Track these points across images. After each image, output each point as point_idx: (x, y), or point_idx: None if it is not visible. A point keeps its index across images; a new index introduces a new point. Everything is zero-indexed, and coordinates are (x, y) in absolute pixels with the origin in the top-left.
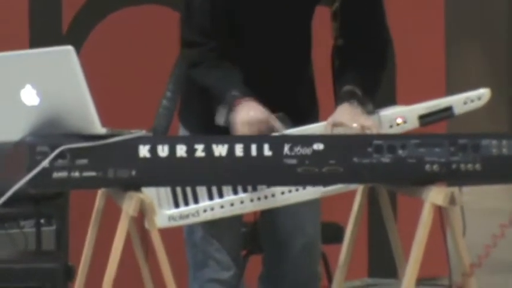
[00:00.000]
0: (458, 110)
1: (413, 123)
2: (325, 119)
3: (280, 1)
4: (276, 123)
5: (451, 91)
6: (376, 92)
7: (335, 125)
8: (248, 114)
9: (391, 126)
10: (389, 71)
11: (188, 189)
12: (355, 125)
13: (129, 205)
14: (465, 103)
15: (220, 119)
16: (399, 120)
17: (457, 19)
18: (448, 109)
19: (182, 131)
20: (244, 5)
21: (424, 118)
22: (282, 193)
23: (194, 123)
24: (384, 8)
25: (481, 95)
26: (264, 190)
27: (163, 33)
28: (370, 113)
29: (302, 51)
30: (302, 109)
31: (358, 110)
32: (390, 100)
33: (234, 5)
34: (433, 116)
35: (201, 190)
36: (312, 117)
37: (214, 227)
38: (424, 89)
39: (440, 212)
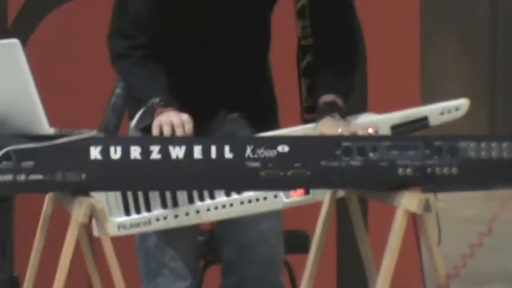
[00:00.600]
0: (434, 120)
1: (385, 134)
2: (285, 119)
3: None
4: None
5: (426, 93)
6: (350, 96)
7: None
8: (172, 119)
9: None
10: (360, 72)
11: (140, 196)
12: (340, 130)
13: (78, 211)
14: (442, 113)
15: (136, 124)
16: (370, 130)
17: (434, 16)
18: (424, 119)
19: (133, 132)
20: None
21: (397, 128)
22: (242, 203)
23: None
24: (354, 4)
25: (459, 105)
26: (222, 199)
27: None
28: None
29: (260, 49)
30: (262, 109)
31: (341, 122)
32: (361, 105)
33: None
34: (407, 126)
35: (154, 197)
36: (272, 117)
37: (168, 234)
38: (397, 91)
39: (414, 219)
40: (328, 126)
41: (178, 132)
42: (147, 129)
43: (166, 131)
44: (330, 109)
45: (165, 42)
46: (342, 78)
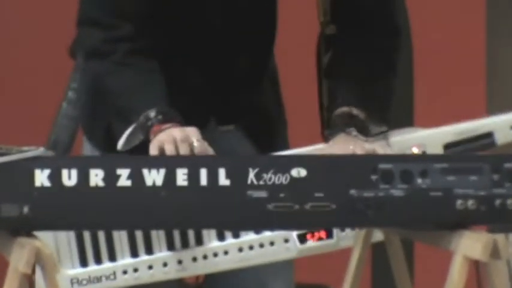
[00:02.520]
0: (502, 137)
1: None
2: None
3: None
4: (209, 150)
5: (492, 101)
6: (388, 104)
7: None
8: (174, 133)
9: None
10: (404, 74)
11: (101, 240)
12: (351, 147)
13: (19, 257)
14: None
15: (124, 144)
16: (415, 150)
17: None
18: (488, 136)
19: (89, 149)
20: None
21: (452, 148)
22: (240, 250)
23: (108, 137)
24: None
25: None
26: (213, 244)
27: (62, 17)
28: (379, 135)
29: (262, 38)
30: (264, 121)
31: (357, 139)
32: (406, 117)
33: None
34: (466, 145)
35: (120, 241)
36: (279, 132)
37: None
38: (456, 98)
39: (477, 269)
40: (339, 147)
41: (182, 149)
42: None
43: (169, 150)
44: (346, 123)
45: (147, 32)
46: (372, 82)
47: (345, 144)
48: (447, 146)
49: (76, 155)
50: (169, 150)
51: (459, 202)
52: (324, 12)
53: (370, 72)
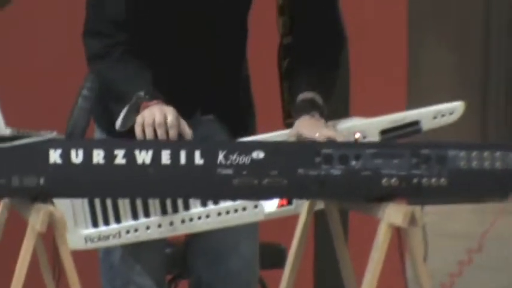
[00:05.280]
0: (426, 125)
1: (373, 140)
2: (262, 122)
3: None
4: (186, 129)
5: (414, 97)
6: (331, 96)
7: (296, 137)
8: (155, 115)
9: None
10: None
11: (109, 206)
12: (317, 134)
13: (36, 219)
14: (435, 117)
15: (121, 123)
16: (357, 135)
17: (424, 16)
18: (416, 124)
19: (99, 134)
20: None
21: (387, 133)
22: (219, 214)
23: (111, 124)
24: (339, 1)
25: (453, 108)
26: (197, 209)
27: (81, 23)
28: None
29: (237, 43)
30: (238, 112)
31: (320, 122)
32: (343, 109)
33: None
34: (398, 131)
35: (124, 208)
36: (250, 121)
37: (135, 246)
38: (382, 96)
39: (398, 234)
40: (306, 126)
41: (160, 133)
42: (131, 131)
43: (149, 134)
44: (309, 107)
45: (141, 40)
46: (323, 76)
47: (311, 126)
48: (383, 132)
49: (84, 138)
50: (149, 133)
51: (384, 180)
52: (283, 25)
53: (320, 71)
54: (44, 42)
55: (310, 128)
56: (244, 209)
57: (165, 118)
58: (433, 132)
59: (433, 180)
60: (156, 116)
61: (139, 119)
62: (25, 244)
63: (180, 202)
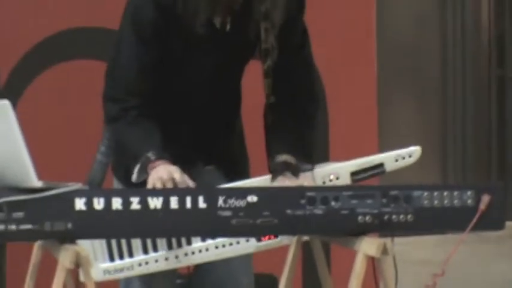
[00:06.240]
0: (389, 167)
1: (345, 180)
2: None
3: (212, 57)
4: (189, 182)
5: (383, 145)
6: (311, 149)
7: None
8: (162, 177)
9: (324, 183)
10: (323, 125)
11: (123, 243)
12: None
13: (65, 257)
14: (396, 160)
15: (135, 178)
16: (332, 177)
17: (390, 75)
18: (380, 166)
19: (116, 184)
20: (175, 61)
21: (356, 175)
22: (216, 247)
23: (126, 175)
24: (314, 62)
25: (412, 152)
26: (198, 244)
27: (99, 88)
28: (306, 170)
29: (232, 105)
30: (234, 162)
31: (292, 178)
32: (323, 155)
33: (164, 61)
34: (365, 172)
35: (136, 244)
36: (244, 168)
37: (151, 278)
38: (357, 144)
39: (373, 263)
40: (280, 183)
41: (168, 186)
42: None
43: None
44: (283, 168)
45: (152, 104)
46: (300, 137)
47: (284, 181)
48: (353, 174)
49: (104, 188)
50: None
51: (360, 217)
52: (267, 86)
53: (299, 128)
54: (68, 108)
55: (282, 183)
56: (238, 242)
57: (172, 176)
58: (402, 175)
59: (401, 216)
60: (164, 177)
61: (150, 181)
62: (56, 278)
63: (183, 238)
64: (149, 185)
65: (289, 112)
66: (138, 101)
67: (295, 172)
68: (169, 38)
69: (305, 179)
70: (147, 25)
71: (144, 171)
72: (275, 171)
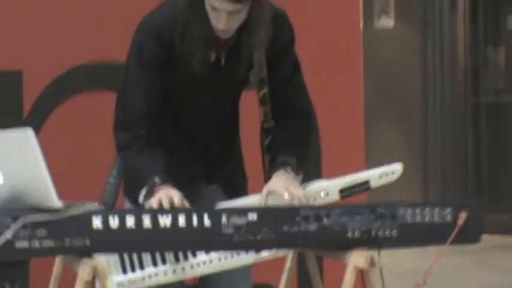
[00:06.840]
0: (374, 183)
1: (334, 196)
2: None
3: (209, 89)
4: (187, 205)
5: (371, 163)
6: (305, 163)
7: (270, 192)
8: (162, 201)
9: (315, 199)
10: (315, 146)
11: (135, 257)
12: (286, 195)
13: (84, 271)
14: (380, 177)
15: (143, 200)
16: (322, 194)
17: (376, 99)
18: (365, 183)
19: (127, 204)
20: (176, 93)
21: (344, 191)
22: (219, 259)
23: (136, 196)
24: (306, 88)
25: (394, 169)
26: (202, 257)
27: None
28: (298, 180)
29: (231, 129)
30: (234, 181)
31: (291, 176)
32: (317, 172)
33: (166, 92)
34: (352, 189)
35: (146, 258)
36: (242, 186)
37: None
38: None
39: (361, 274)
40: (279, 182)
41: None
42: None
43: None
44: (283, 164)
45: (156, 129)
46: (296, 147)
47: (282, 183)
48: (341, 191)
49: (119, 208)
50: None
51: (349, 233)
52: (264, 113)
53: (295, 145)
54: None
55: (281, 184)
56: (238, 254)
57: (172, 200)
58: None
59: (387, 232)
60: (163, 202)
61: (150, 203)
62: None
63: (189, 253)
64: (147, 205)
65: (286, 132)
66: (145, 129)
67: (294, 169)
68: (170, 71)
69: (301, 191)
70: (150, 60)
71: (151, 194)
72: (275, 167)
